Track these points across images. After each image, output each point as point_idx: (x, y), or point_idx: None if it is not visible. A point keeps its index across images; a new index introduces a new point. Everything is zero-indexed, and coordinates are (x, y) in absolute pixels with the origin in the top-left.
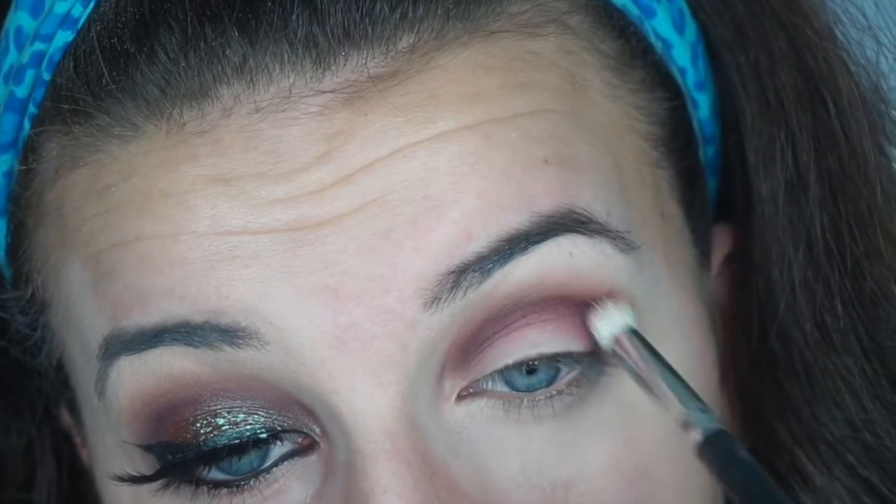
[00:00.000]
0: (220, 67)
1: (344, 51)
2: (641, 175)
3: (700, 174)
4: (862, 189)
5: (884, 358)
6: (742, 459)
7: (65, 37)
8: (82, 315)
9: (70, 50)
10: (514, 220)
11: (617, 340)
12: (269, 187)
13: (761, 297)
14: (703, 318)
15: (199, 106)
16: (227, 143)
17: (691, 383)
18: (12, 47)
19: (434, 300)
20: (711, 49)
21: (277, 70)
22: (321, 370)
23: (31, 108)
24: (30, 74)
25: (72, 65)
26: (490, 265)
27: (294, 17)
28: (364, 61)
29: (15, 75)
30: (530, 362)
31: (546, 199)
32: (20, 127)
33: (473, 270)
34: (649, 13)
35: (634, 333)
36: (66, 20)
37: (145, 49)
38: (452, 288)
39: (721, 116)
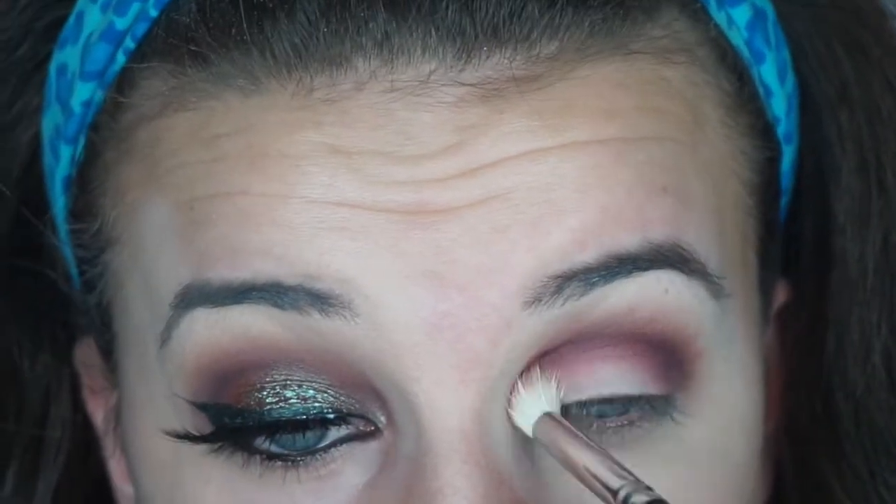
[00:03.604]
0: (360, 39)
1: (487, 46)
2: (736, 221)
3: (778, 228)
4: None
5: None
6: None
7: None
8: (158, 259)
9: None
10: (628, 241)
11: (540, 425)
12: (392, 168)
13: (832, 358)
14: (760, 370)
15: (331, 74)
16: (355, 116)
17: (750, 431)
18: None
19: (535, 301)
20: (805, 102)
21: (419, 53)
22: (408, 355)
23: (129, 42)
24: (135, 7)
25: (194, 6)
26: (595, 279)
27: (444, 4)
28: (507, 60)
29: (116, 6)
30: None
31: (659, 228)
32: (112, 59)
33: (578, 280)
34: (759, 58)
35: (555, 418)
36: None
37: (286, 6)
38: (554, 293)
39: (800, 170)
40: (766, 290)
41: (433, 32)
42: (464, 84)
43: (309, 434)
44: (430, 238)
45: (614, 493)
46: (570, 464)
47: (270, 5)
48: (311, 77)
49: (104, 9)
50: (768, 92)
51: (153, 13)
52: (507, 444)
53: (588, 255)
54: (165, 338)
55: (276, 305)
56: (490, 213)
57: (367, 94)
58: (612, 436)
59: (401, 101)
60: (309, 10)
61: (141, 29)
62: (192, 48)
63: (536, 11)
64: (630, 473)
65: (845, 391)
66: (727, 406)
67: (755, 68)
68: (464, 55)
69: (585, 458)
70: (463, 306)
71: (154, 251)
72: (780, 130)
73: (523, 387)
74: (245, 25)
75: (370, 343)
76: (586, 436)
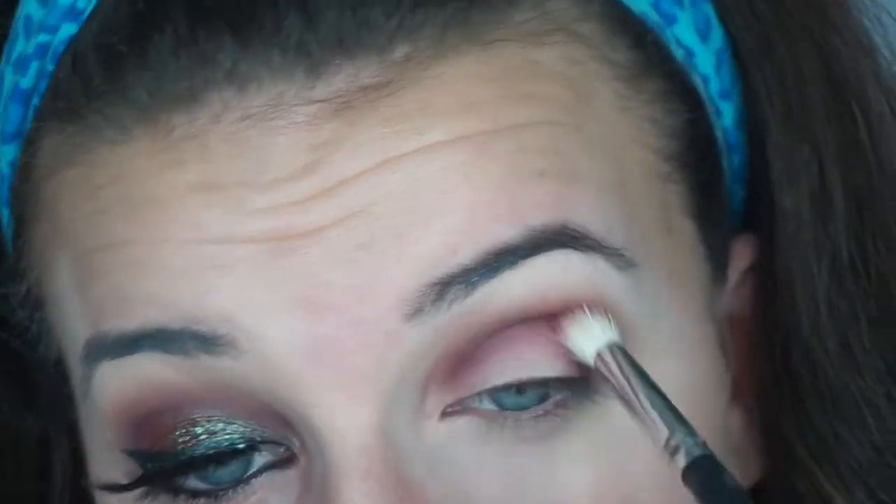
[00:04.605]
0: (210, 72)
1: (337, 59)
2: (648, 190)
3: (719, 187)
4: (889, 205)
5: None
6: (729, 486)
7: (69, 29)
8: (67, 315)
9: (71, 44)
10: (505, 233)
11: (600, 357)
12: (253, 196)
13: (784, 314)
14: (711, 336)
15: (187, 111)
16: (213, 149)
17: (695, 403)
18: (21, 36)
19: (416, 312)
20: (739, 58)
21: (268, 77)
22: (299, 383)
23: (35, 100)
24: (34, 66)
25: (70, 60)
26: (476, 278)
27: (287, 22)
28: (356, 71)
29: (18, 66)
30: (520, 384)
31: (540, 213)
32: (24, 118)
33: (458, 283)
34: (670, 20)
35: (620, 350)
36: (70, 12)
37: (136, 49)
38: (436, 300)
39: (748, 126)
40: (715, 253)
41: (279, 53)
42: (315, 101)
43: (230, 467)
44: (294, 263)
45: (666, 440)
46: (628, 401)
47: (125, 51)
48: (168, 117)
49: (14, 69)
50: (688, 52)
51: (50, 68)
52: (418, 455)
53: (463, 256)
54: (84, 391)
55: (166, 351)
56: (353, 229)
57: (223, 126)
58: (528, 429)
59: (255, 127)
60: (160, 49)
61: (44, 86)
62: (67, 105)
63: (381, 17)
64: (686, 423)
65: (799, 347)
66: (659, 380)
67: (668, 30)
68: (313, 72)
69: (644, 398)
70: (339, 328)
71: (65, 307)
72: (713, 88)
73: (575, 323)
74: (105, 76)
75: (260, 376)
76: (647, 374)
